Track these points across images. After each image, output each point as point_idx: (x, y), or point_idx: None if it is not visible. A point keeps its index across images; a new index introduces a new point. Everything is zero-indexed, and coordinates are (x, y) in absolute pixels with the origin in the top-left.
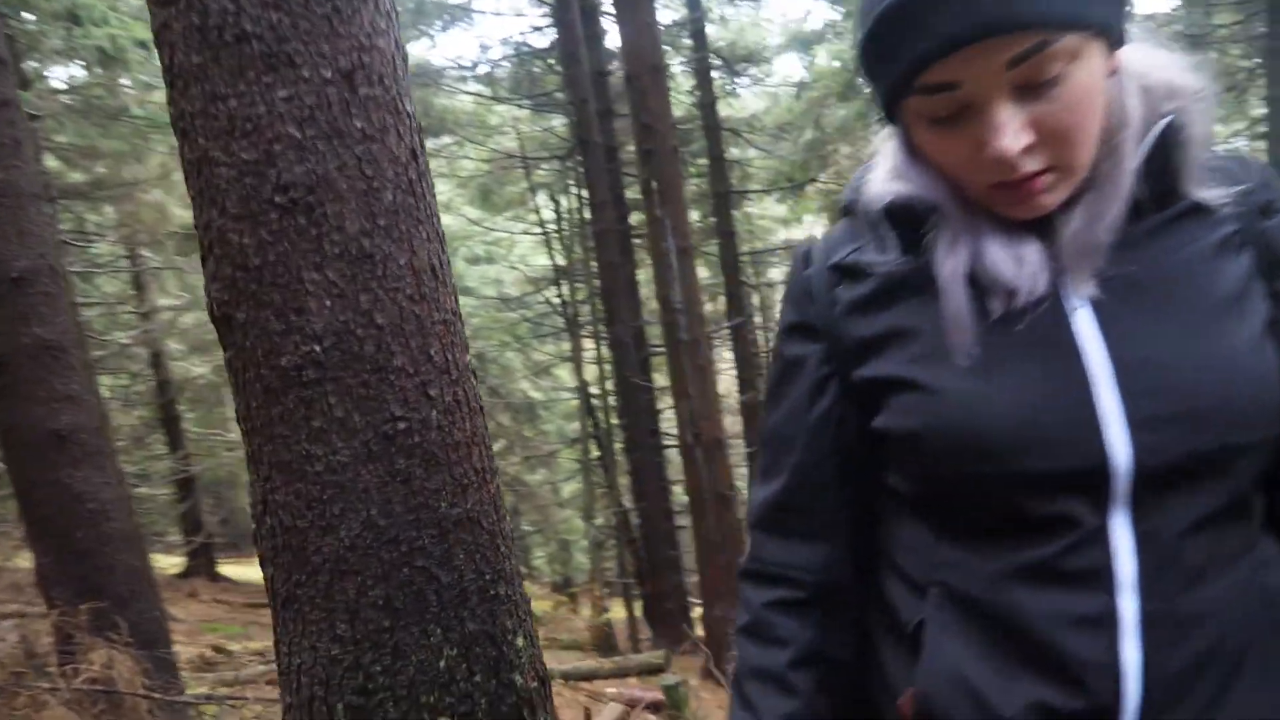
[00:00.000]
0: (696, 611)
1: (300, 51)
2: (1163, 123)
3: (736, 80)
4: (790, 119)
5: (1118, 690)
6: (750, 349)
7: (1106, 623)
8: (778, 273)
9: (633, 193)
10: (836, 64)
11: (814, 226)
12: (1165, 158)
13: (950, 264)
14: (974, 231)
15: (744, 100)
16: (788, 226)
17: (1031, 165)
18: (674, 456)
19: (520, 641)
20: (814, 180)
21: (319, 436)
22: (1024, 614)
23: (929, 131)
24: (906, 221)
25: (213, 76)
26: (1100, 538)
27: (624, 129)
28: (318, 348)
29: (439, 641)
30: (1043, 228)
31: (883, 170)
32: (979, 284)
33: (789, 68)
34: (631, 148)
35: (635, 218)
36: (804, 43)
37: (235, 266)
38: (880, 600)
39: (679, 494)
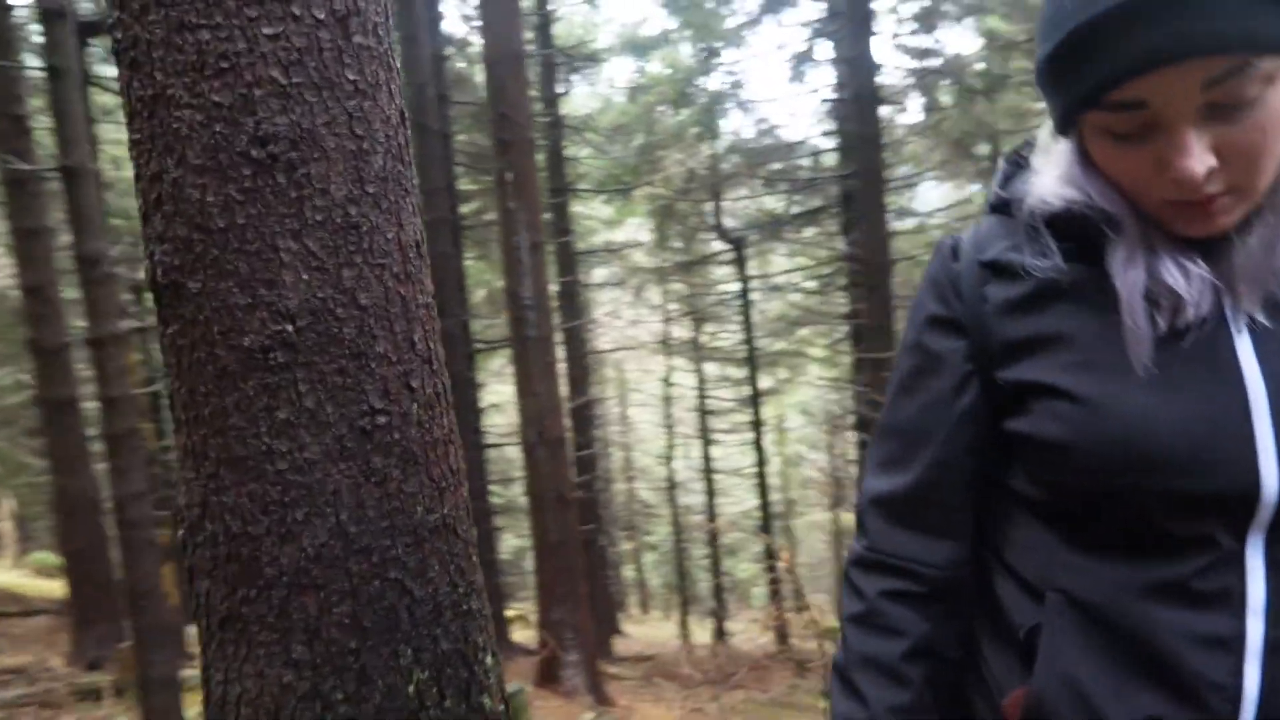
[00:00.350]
0: (510, 612)
1: None
2: None
3: (572, 79)
4: (624, 121)
5: (1236, 713)
6: (581, 350)
7: (1234, 645)
8: (601, 273)
9: (464, 183)
10: (669, 70)
11: (639, 230)
12: None
13: (1131, 276)
14: (1148, 245)
15: (576, 100)
16: (611, 228)
17: (1213, 187)
18: (491, 456)
19: (490, 660)
20: (644, 184)
21: (284, 430)
22: (1151, 629)
23: (1108, 146)
24: (1073, 229)
25: (182, 0)
26: (1236, 561)
27: (457, 116)
28: (290, 327)
29: (409, 663)
30: (1209, 247)
31: (1051, 176)
32: (1148, 298)
33: (622, 71)
34: (464, 136)
35: (465, 208)
36: (639, 48)
37: (193, 227)
38: (988, 600)
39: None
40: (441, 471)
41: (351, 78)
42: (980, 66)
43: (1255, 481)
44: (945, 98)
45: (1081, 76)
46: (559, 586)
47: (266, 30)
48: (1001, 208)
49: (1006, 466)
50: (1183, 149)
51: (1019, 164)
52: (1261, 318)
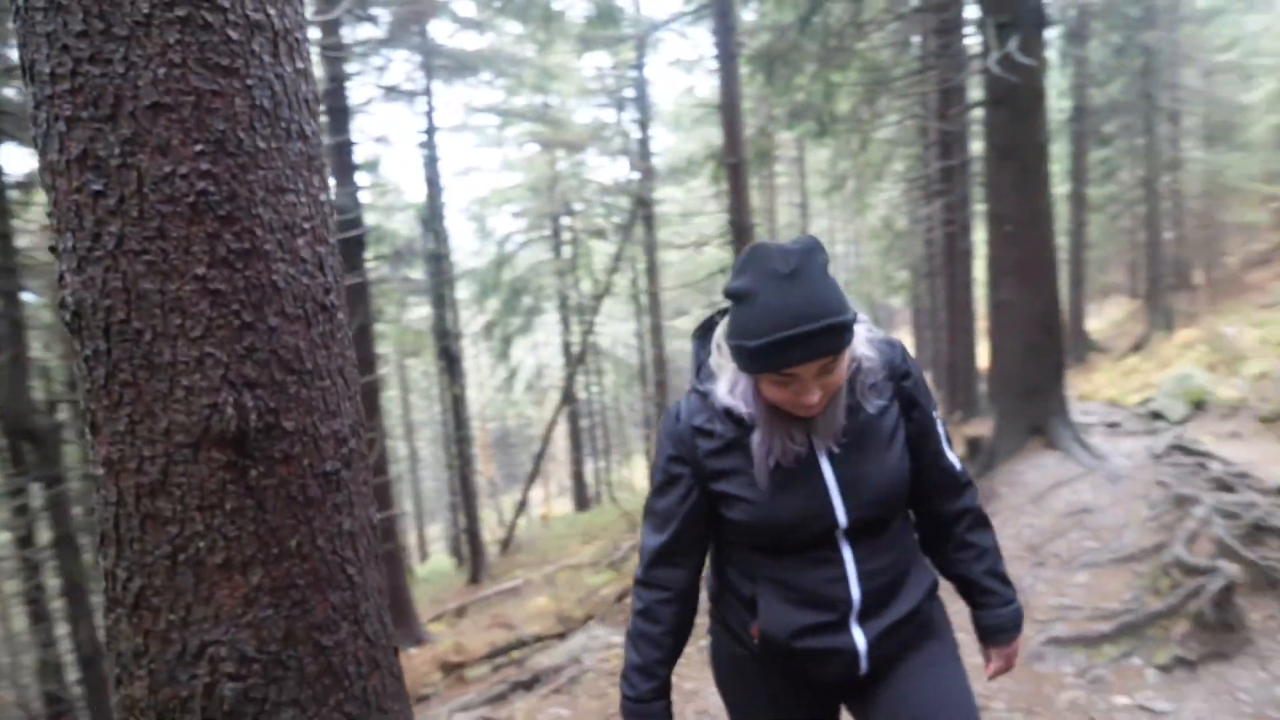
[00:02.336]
0: None
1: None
2: (852, 370)
3: None
4: None
5: (850, 611)
6: None
7: (844, 579)
8: None
9: None
10: None
11: None
12: (855, 390)
13: (759, 448)
14: (776, 426)
15: None
16: None
17: (814, 407)
18: None
19: None
20: None
21: (349, 540)
22: (807, 583)
23: (770, 386)
24: (734, 416)
25: (277, 164)
26: (840, 548)
27: None
28: (348, 448)
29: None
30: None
31: (723, 388)
32: (769, 450)
33: None
34: None
35: None
36: None
37: (287, 371)
38: (727, 583)
39: None
40: None
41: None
42: None
43: (835, 521)
44: None
45: (771, 361)
46: None
47: (322, 198)
48: (701, 394)
49: (719, 528)
50: (809, 394)
51: (702, 360)
52: (831, 448)
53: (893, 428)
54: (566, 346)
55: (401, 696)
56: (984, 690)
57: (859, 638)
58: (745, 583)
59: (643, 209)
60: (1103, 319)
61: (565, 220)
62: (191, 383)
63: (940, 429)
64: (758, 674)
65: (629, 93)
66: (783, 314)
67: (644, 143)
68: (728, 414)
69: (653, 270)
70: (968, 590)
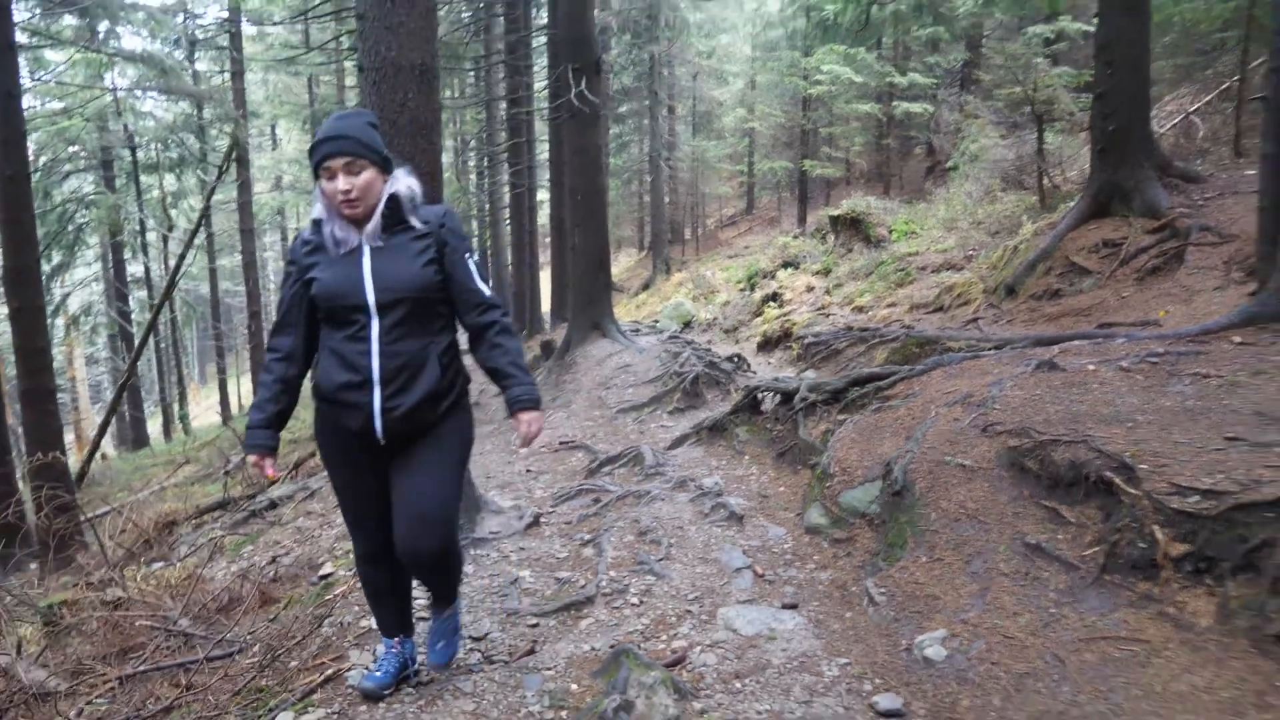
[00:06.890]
0: None
1: None
2: (387, 196)
3: None
4: None
5: (370, 374)
6: None
7: (368, 350)
8: None
9: None
10: None
11: None
12: (392, 209)
13: (327, 233)
14: (329, 216)
15: None
16: None
17: (349, 197)
18: None
19: None
20: None
21: None
22: (347, 353)
23: (325, 183)
24: (319, 226)
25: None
26: (368, 325)
27: None
28: None
29: None
30: (358, 224)
31: (318, 206)
32: (334, 240)
33: None
34: None
35: None
36: None
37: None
38: (319, 360)
39: None
40: None
41: None
42: None
43: (365, 299)
44: None
45: (314, 154)
46: None
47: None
48: (315, 221)
49: (314, 311)
50: (340, 185)
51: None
52: (374, 244)
53: (422, 250)
54: (111, 283)
55: None
56: (583, 432)
57: (376, 399)
58: (319, 352)
59: (237, 149)
60: (619, 266)
61: (125, 154)
62: None
63: (471, 267)
64: (332, 431)
65: (219, 39)
66: (325, 131)
67: (240, 91)
68: (316, 225)
69: (245, 209)
70: (497, 376)
